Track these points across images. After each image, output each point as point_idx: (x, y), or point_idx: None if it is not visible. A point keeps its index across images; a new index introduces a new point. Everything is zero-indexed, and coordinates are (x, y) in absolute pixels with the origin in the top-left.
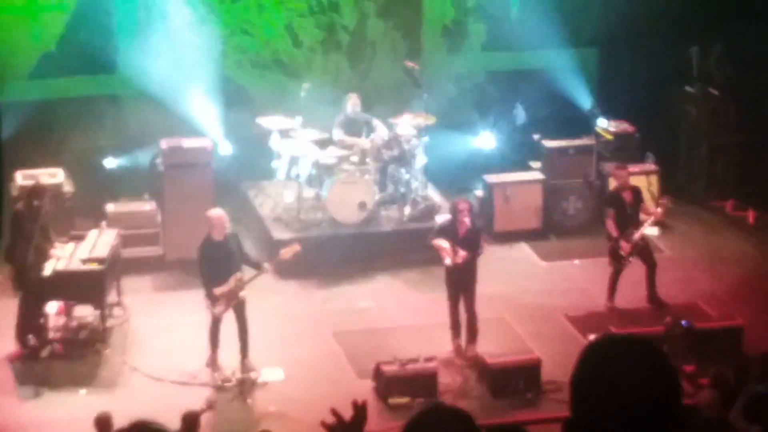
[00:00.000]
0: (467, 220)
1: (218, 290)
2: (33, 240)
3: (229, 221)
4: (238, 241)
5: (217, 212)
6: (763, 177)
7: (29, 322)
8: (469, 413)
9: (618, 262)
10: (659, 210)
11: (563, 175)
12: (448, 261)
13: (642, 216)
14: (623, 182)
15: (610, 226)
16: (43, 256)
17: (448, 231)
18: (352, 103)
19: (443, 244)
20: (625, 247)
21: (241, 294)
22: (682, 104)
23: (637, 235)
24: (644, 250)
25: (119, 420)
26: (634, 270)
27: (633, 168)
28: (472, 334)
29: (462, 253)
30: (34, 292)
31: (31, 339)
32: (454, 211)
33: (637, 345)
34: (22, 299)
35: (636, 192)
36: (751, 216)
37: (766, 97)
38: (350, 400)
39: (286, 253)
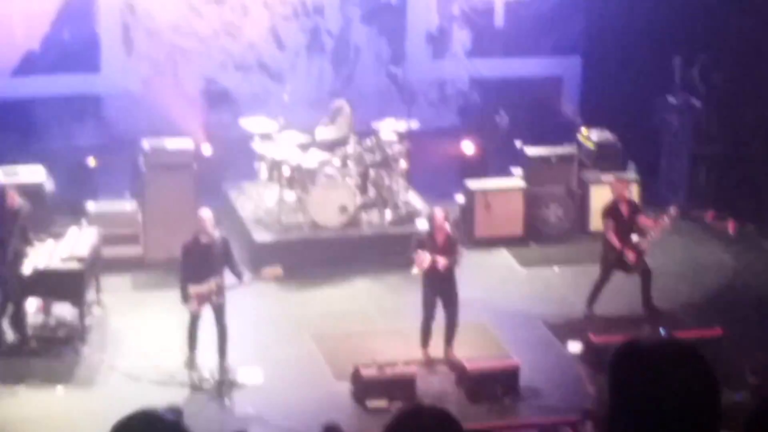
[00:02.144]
0: (445, 227)
1: (193, 289)
2: (9, 241)
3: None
4: (228, 247)
5: (204, 213)
6: (744, 188)
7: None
8: (451, 414)
9: (607, 271)
10: (666, 220)
11: (544, 182)
12: (414, 270)
13: (643, 225)
14: (620, 194)
15: (612, 237)
16: (21, 257)
17: (426, 241)
18: (342, 110)
19: (421, 255)
20: (630, 255)
21: (220, 299)
22: (664, 114)
23: (644, 244)
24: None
25: (94, 418)
26: (613, 278)
27: (612, 177)
28: (449, 338)
29: (443, 261)
30: (12, 290)
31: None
32: (431, 219)
33: (679, 349)
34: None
35: (632, 204)
36: (731, 226)
37: (747, 108)
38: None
39: (268, 273)
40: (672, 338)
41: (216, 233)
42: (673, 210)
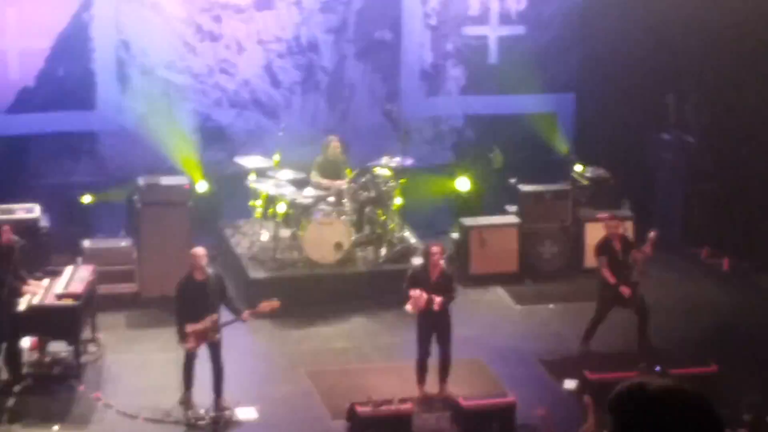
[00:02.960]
0: (441, 264)
1: (189, 327)
2: (4, 277)
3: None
4: (222, 283)
5: (198, 251)
6: (738, 224)
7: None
8: None
9: (605, 308)
10: (648, 246)
11: (539, 219)
12: (408, 308)
13: (633, 259)
14: (612, 231)
15: (607, 273)
16: (15, 294)
17: (420, 276)
18: (333, 146)
19: (414, 293)
20: (625, 291)
21: (216, 336)
22: (658, 151)
23: (634, 277)
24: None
25: None
26: (609, 315)
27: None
28: (444, 375)
29: (438, 300)
30: (7, 328)
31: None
32: (427, 255)
33: (687, 395)
34: None
35: (624, 240)
36: (725, 263)
37: (741, 145)
38: None
39: (265, 307)
40: (679, 384)
41: (210, 270)
42: (652, 234)
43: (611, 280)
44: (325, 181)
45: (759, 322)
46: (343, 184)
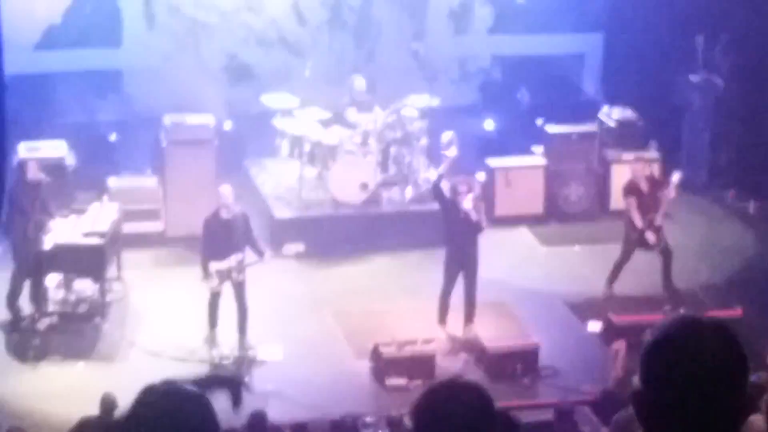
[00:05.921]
0: (465, 204)
1: (213, 265)
2: (30, 213)
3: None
4: (247, 223)
5: (225, 189)
6: (765, 167)
7: (20, 293)
8: (484, 389)
9: (629, 250)
10: (671, 189)
11: (565, 160)
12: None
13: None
14: (639, 173)
15: (635, 216)
16: (42, 230)
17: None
18: (357, 85)
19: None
20: (651, 237)
21: (240, 276)
22: (686, 92)
23: (658, 221)
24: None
25: (117, 394)
26: (633, 258)
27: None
28: (470, 316)
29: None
30: (32, 265)
31: (25, 310)
32: (453, 193)
33: (712, 327)
34: (15, 271)
35: (652, 180)
36: (751, 206)
37: None
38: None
39: (290, 249)
40: (700, 316)
41: (237, 208)
42: (675, 177)
43: (638, 223)
44: (354, 117)
45: None
46: (372, 119)
